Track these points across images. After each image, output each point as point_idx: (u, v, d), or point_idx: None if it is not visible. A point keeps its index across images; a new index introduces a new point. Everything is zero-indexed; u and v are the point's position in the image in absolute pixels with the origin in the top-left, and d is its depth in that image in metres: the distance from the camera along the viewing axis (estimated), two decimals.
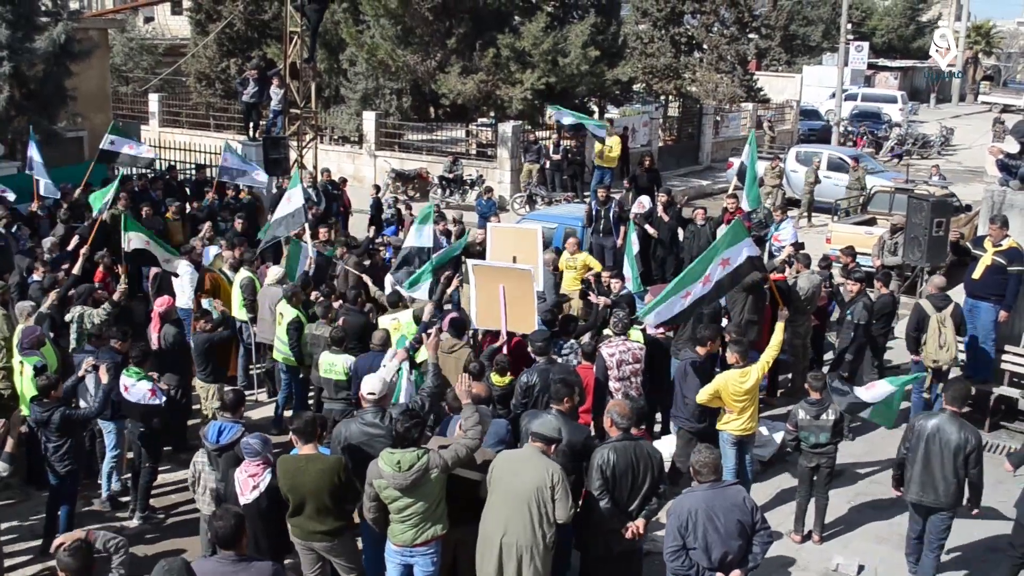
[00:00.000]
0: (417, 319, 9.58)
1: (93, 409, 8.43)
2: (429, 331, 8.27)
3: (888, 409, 8.59)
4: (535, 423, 6.56)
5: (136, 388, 8.64)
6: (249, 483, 6.57)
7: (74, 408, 8.44)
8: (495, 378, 8.59)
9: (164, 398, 8.88)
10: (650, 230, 14.50)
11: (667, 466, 9.80)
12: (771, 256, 13.47)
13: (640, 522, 6.67)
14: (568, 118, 17.00)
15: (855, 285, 11.05)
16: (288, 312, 10.48)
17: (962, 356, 11.11)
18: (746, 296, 10.43)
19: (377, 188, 19.66)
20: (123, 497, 9.26)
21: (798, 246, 12.95)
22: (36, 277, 11.13)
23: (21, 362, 8.94)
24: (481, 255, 11.74)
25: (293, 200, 12.24)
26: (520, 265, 9.72)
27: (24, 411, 8.67)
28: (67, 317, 10.08)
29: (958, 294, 11.64)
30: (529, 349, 8.85)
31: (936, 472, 7.54)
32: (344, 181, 18.65)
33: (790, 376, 11.95)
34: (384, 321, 10.28)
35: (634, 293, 11.40)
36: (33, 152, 14.28)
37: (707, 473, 6.19)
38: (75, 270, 10.94)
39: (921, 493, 7.65)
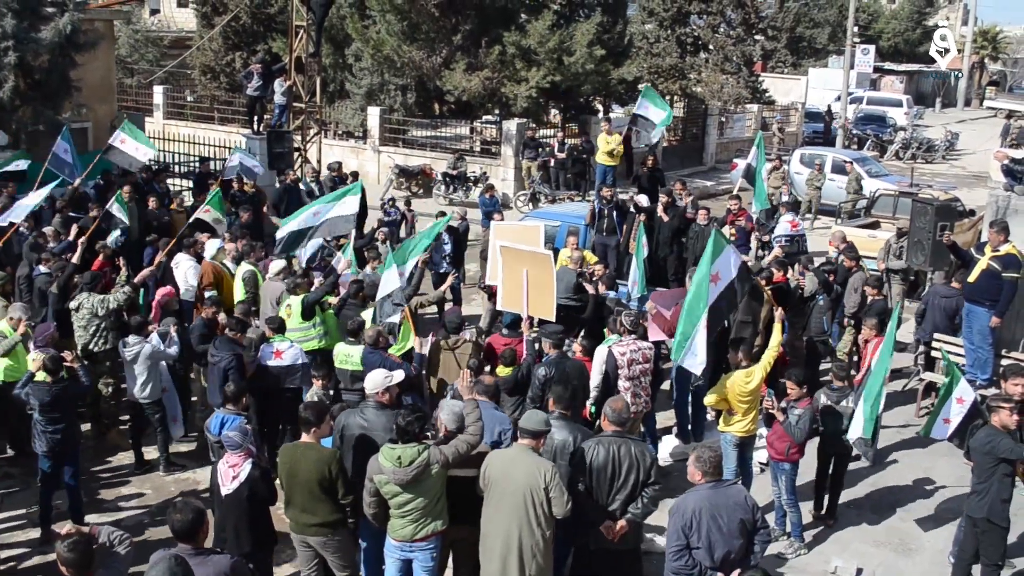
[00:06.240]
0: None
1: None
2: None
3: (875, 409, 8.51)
4: (522, 418, 6.51)
5: (290, 352, 9.21)
6: (230, 474, 6.56)
7: (76, 383, 8.66)
8: (499, 369, 8.58)
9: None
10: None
11: (669, 462, 9.86)
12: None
13: (620, 523, 6.53)
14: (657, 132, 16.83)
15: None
16: (295, 301, 10.25)
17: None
18: None
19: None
20: None
21: (787, 245, 13.07)
22: (43, 268, 11.14)
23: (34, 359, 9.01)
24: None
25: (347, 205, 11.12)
26: (540, 249, 9.74)
27: None
28: (71, 304, 10.09)
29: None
30: (544, 343, 8.79)
31: None
32: (356, 175, 18.43)
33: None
34: (366, 315, 10.05)
35: (637, 296, 11.37)
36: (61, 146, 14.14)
37: (711, 473, 6.14)
38: (75, 259, 10.94)
39: None
